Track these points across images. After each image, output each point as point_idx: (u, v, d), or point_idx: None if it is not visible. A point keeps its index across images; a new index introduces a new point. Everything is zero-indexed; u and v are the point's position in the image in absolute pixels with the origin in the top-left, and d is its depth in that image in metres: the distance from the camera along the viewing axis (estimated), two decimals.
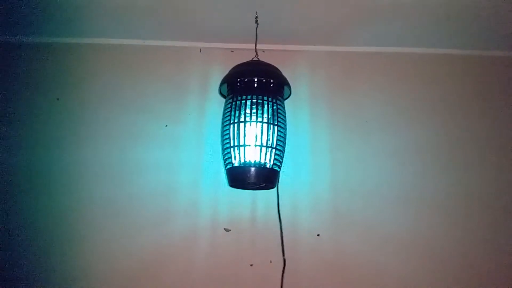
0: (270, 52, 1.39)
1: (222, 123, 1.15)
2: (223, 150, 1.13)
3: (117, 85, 1.38)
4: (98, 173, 1.30)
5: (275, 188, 1.21)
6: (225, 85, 1.16)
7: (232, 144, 1.10)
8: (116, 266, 1.24)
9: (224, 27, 1.32)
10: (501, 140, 1.36)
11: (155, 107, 1.36)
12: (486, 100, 1.39)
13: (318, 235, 1.27)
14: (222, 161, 1.21)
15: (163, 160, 1.31)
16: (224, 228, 1.27)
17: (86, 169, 1.30)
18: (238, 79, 1.12)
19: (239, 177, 1.10)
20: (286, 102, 1.23)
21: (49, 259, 1.24)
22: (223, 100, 1.22)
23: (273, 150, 1.10)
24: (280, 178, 1.23)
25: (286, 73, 1.19)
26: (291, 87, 1.18)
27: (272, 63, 1.18)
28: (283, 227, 1.25)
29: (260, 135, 1.09)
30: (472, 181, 1.32)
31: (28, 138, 1.33)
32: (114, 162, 1.31)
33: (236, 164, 1.09)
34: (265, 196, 1.28)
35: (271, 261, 1.24)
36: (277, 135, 1.11)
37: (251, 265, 1.24)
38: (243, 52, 1.32)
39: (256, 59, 1.19)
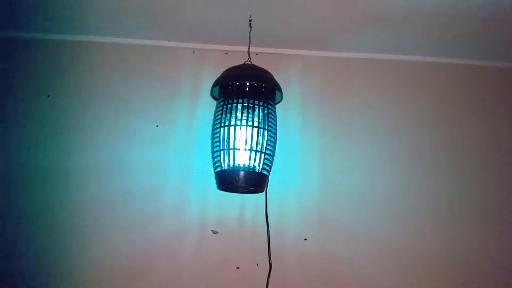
0: (263, 55, 1.39)
1: (213, 126, 1.15)
2: (213, 153, 1.13)
3: (109, 84, 1.37)
4: (87, 172, 1.29)
5: (264, 192, 1.21)
6: (216, 88, 1.16)
7: (221, 148, 1.10)
8: (102, 266, 1.24)
9: (218, 28, 1.32)
10: (488, 147, 1.38)
11: (147, 107, 1.35)
12: (475, 108, 1.41)
13: (305, 239, 1.27)
14: (211, 163, 1.20)
15: (152, 161, 1.31)
16: (212, 230, 1.27)
17: (75, 168, 1.30)
18: (230, 83, 1.12)
19: (228, 181, 1.10)
20: (277, 106, 1.23)
21: (35, 259, 1.24)
22: (215, 102, 1.22)
23: (263, 154, 1.10)
24: (269, 182, 1.23)
25: (278, 77, 1.19)
26: (283, 91, 1.19)
27: (265, 66, 1.18)
28: (270, 231, 1.25)
29: (250, 139, 1.09)
30: (460, 187, 1.34)
31: (16, 136, 1.32)
32: (103, 161, 1.30)
33: (225, 168, 1.09)
34: (253, 200, 1.28)
35: (257, 264, 1.24)
36: (267, 139, 1.11)
37: (238, 267, 1.25)
38: (237, 54, 1.32)
39: (248, 62, 1.19)
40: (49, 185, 1.28)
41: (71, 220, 1.26)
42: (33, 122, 1.33)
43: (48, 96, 1.36)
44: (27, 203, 1.27)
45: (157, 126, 1.34)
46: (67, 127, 1.33)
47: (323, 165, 1.34)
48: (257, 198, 1.27)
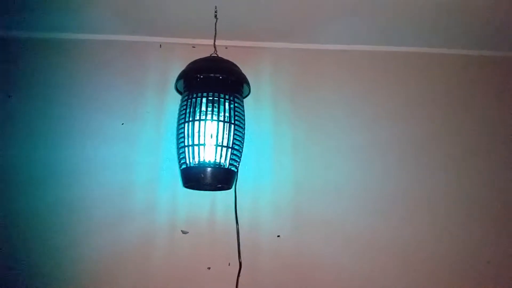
0: (232, 49, 1.36)
1: (178, 121, 1.10)
2: (178, 149, 1.09)
3: (72, 81, 1.31)
4: (50, 173, 1.24)
5: (233, 189, 1.17)
6: (181, 81, 1.11)
7: (187, 143, 1.05)
8: (68, 270, 1.19)
9: (185, 21, 1.28)
10: (466, 140, 1.36)
11: (112, 104, 1.30)
12: (454, 99, 1.39)
13: (278, 236, 1.24)
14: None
15: (118, 160, 1.26)
16: (182, 230, 1.23)
17: (37, 169, 1.24)
18: (194, 75, 1.08)
19: (193, 178, 1.05)
20: (247, 100, 1.20)
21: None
22: None
23: (230, 149, 1.06)
24: (240, 178, 1.19)
25: (248, 70, 1.16)
26: (255, 84, 1.15)
27: (235, 60, 1.14)
28: (242, 229, 1.21)
29: (216, 134, 1.05)
30: (436, 180, 1.32)
31: None
32: (67, 161, 1.25)
33: (191, 164, 1.05)
34: (224, 197, 1.24)
35: (229, 264, 1.20)
36: (234, 134, 1.07)
37: (209, 268, 1.21)
38: (205, 48, 1.27)
39: (214, 55, 1.15)
40: (8, 187, 1.22)
41: (32, 224, 1.20)
42: None
43: (10, 96, 1.30)
44: None
45: (122, 124, 1.29)
46: (29, 127, 1.27)
47: (297, 160, 1.30)
48: (228, 196, 1.23)
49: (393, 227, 1.27)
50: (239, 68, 1.13)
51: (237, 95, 1.10)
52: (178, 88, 1.17)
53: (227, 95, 1.07)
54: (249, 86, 1.14)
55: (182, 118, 1.07)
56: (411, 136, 1.34)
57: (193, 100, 1.07)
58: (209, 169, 1.04)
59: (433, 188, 1.31)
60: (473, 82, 1.41)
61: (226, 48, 1.35)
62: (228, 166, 1.06)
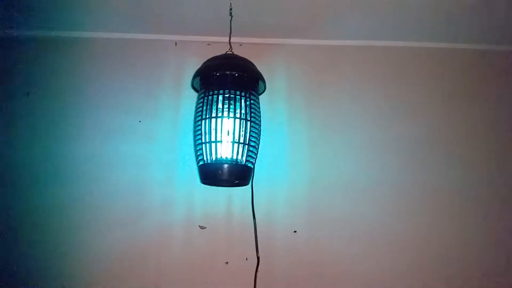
0: (247, 46, 1.36)
1: (194, 118, 1.12)
2: (195, 146, 1.10)
3: (89, 80, 1.34)
4: (68, 170, 1.27)
5: (250, 185, 1.18)
6: (197, 79, 1.13)
7: (204, 140, 1.07)
8: (86, 266, 1.22)
9: (200, 19, 1.29)
10: (478, 134, 1.35)
11: (128, 102, 1.33)
12: (468, 94, 1.38)
13: (295, 231, 1.25)
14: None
15: (136, 157, 1.28)
16: (199, 226, 1.25)
17: (56, 166, 1.27)
18: (210, 73, 1.09)
19: (211, 174, 1.07)
20: (262, 97, 1.21)
21: (14, 259, 1.21)
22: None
23: (246, 146, 1.07)
24: (256, 174, 1.20)
25: (263, 67, 1.17)
26: (269, 81, 1.15)
27: (249, 57, 1.15)
28: (259, 224, 1.23)
29: (233, 131, 1.06)
30: (450, 176, 1.31)
31: None
32: (85, 159, 1.28)
33: (208, 161, 1.06)
34: (241, 193, 1.26)
35: (247, 259, 1.22)
36: (251, 131, 1.08)
37: (227, 262, 1.23)
38: (220, 45, 1.27)
39: (230, 52, 1.16)
40: (28, 185, 1.26)
41: (52, 220, 1.24)
42: (12, 121, 1.30)
43: (28, 94, 1.33)
44: (3, 203, 1.24)
45: (139, 121, 1.31)
46: (47, 125, 1.30)
47: (312, 155, 1.31)
48: (244, 192, 1.24)
49: (410, 222, 1.27)
50: (254, 65, 1.14)
51: (253, 92, 1.11)
52: (195, 86, 1.18)
53: (243, 92, 1.08)
54: (265, 83, 1.15)
55: (199, 116, 1.09)
56: (425, 132, 1.34)
57: (210, 97, 1.08)
58: (226, 165, 1.05)
59: (446, 183, 1.30)
60: (495, 78, 1.39)
61: (241, 45, 1.36)
62: (245, 163, 1.07)
